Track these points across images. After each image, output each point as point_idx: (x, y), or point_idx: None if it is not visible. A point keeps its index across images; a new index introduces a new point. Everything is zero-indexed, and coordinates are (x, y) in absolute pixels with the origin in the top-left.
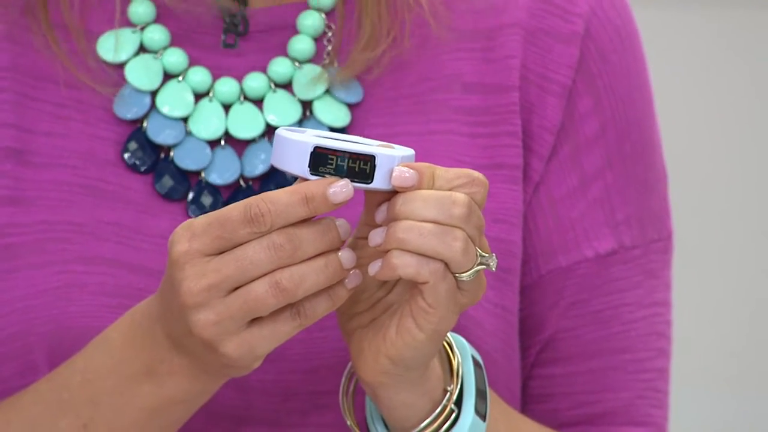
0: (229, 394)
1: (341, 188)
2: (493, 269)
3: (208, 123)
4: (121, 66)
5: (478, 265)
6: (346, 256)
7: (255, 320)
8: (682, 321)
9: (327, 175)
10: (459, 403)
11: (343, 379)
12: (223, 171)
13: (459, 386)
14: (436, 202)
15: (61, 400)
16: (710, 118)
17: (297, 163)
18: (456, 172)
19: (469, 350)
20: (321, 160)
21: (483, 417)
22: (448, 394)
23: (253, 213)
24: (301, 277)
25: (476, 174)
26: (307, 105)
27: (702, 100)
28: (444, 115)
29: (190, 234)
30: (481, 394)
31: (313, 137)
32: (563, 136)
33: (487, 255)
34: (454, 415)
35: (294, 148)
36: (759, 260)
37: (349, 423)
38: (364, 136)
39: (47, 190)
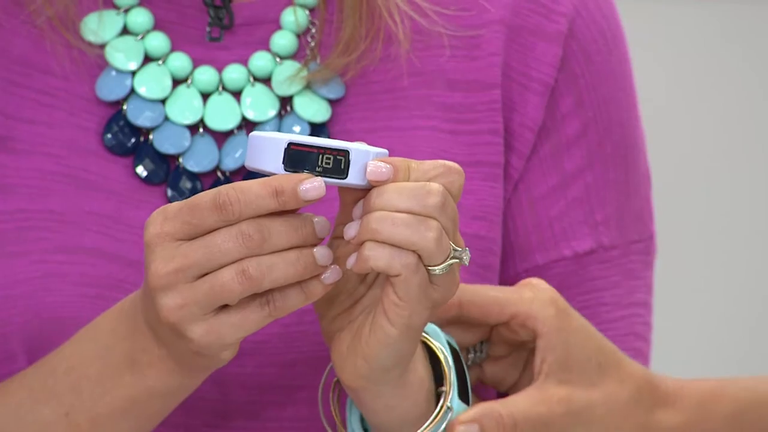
0: (207, 387)
1: (313, 185)
2: (466, 264)
3: (185, 108)
4: (103, 48)
5: (451, 258)
6: (321, 252)
7: (224, 308)
8: (671, 323)
9: (302, 172)
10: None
11: (320, 391)
12: (200, 158)
13: (450, 384)
14: (411, 193)
15: (45, 387)
16: (706, 115)
17: (271, 161)
18: (431, 163)
19: (444, 337)
20: (295, 156)
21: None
22: (443, 395)
23: (221, 200)
24: (269, 268)
25: (451, 164)
26: (286, 100)
27: (697, 97)
28: (426, 111)
29: (163, 217)
30: (462, 383)
31: (286, 134)
32: (544, 135)
33: (460, 249)
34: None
35: (268, 146)
36: (757, 262)
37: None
38: (345, 131)
39: (28, 178)
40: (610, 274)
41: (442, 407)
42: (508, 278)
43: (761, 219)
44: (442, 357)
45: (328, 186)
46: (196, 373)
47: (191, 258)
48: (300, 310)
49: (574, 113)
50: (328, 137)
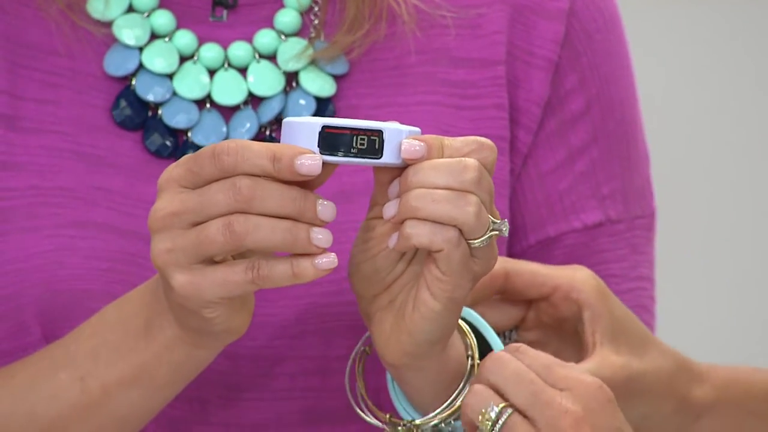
0: (219, 360)
1: (308, 160)
2: (506, 235)
3: (193, 82)
4: (110, 26)
5: (490, 231)
6: (320, 232)
7: (212, 263)
8: (669, 315)
9: (337, 154)
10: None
11: (349, 363)
12: (208, 132)
13: (476, 351)
14: (447, 169)
15: (67, 352)
16: (705, 114)
17: (306, 145)
18: (464, 139)
19: (486, 325)
20: (330, 139)
21: None
22: (470, 359)
23: (219, 150)
24: (254, 226)
25: (483, 139)
26: (291, 76)
27: (698, 95)
28: (430, 88)
29: (175, 164)
30: None
31: (319, 118)
32: (549, 110)
33: (499, 221)
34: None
35: (302, 131)
36: (757, 260)
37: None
38: (350, 107)
39: (38, 156)
40: (618, 247)
41: (471, 371)
42: (519, 249)
43: (762, 218)
44: (465, 328)
45: (362, 167)
46: (200, 340)
47: (186, 204)
48: (309, 283)
49: (578, 90)
50: (333, 112)
